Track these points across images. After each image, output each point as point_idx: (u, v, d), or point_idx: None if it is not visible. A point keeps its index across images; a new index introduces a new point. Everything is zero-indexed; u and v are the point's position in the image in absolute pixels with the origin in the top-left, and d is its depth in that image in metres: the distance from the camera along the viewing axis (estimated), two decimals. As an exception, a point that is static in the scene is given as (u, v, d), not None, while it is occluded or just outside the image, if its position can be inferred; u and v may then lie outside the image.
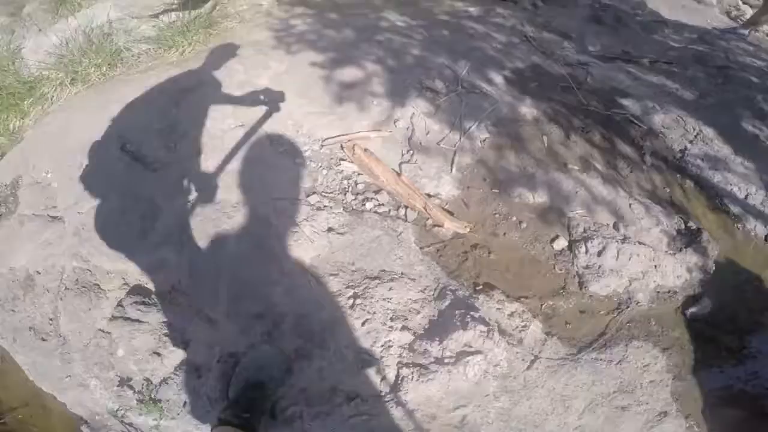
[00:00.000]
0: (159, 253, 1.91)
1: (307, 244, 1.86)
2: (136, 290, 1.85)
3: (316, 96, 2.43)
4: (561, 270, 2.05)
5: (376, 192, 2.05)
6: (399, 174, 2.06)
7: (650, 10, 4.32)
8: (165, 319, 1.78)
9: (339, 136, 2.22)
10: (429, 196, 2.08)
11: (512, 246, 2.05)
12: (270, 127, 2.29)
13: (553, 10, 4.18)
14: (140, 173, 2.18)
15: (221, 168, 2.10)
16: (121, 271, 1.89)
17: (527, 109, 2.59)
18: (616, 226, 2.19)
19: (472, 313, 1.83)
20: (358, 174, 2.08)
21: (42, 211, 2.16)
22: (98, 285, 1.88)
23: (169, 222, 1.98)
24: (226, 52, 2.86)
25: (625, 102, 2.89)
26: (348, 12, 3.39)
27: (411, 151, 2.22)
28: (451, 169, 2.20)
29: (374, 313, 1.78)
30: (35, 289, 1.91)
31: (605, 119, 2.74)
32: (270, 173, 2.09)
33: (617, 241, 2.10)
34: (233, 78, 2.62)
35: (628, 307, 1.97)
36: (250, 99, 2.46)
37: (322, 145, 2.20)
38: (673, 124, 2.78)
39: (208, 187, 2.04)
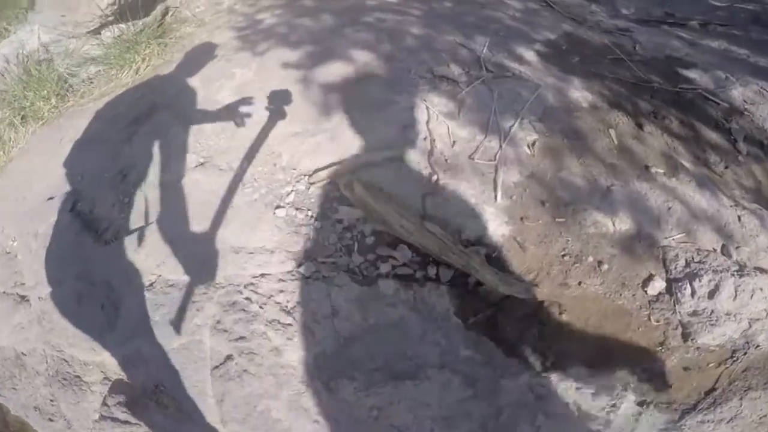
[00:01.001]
0: (131, 346, 1.54)
1: (307, 338, 1.32)
2: (119, 387, 1.57)
3: (294, 108, 1.84)
4: (658, 321, 1.49)
5: (392, 245, 1.46)
6: (423, 217, 1.48)
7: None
8: (157, 421, 1.47)
9: (330, 166, 1.63)
10: (468, 244, 1.49)
11: (591, 297, 1.46)
12: (240, 161, 1.72)
13: None
14: (91, 247, 1.74)
15: (182, 233, 1.57)
16: (98, 363, 1.60)
17: (579, 93, 1.93)
18: (725, 251, 1.59)
19: (543, 407, 1.29)
20: (364, 221, 1.50)
21: (11, 289, 1.88)
22: (79, 377, 1.63)
23: (133, 313, 1.57)
24: (185, 63, 2.29)
25: (691, 74, 2.24)
26: None
27: (434, 175, 1.62)
28: (496, 196, 1.60)
29: (408, 427, 1.25)
30: (27, 369, 1.73)
31: (674, 98, 2.09)
32: (245, 234, 1.53)
33: (733, 275, 1.52)
34: (192, 96, 2.06)
35: (745, 353, 1.51)
36: (212, 123, 1.90)
37: (311, 183, 1.62)
38: (757, 98, 2.16)
39: (168, 265, 1.52)
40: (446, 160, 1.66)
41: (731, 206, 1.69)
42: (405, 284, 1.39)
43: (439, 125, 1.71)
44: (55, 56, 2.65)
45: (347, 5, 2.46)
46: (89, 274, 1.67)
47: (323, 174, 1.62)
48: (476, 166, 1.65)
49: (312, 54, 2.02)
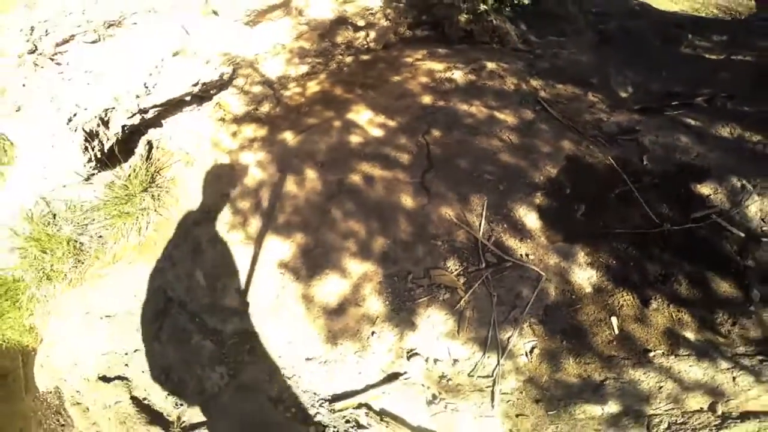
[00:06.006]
0: None
1: None
2: None
3: (300, 331, 1.91)
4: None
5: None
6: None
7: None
8: None
9: (345, 395, 1.79)
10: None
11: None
12: (266, 380, 1.89)
13: (551, 44, 3.28)
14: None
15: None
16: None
17: (583, 273, 1.90)
18: (712, 408, 1.70)
19: None
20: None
21: None
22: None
23: None
24: (182, 241, 2.33)
25: (704, 189, 2.11)
26: (304, 120, 2.57)
27: (438, 396, 1.76)
28: (493, 405, 1.75)
29: None
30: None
31: (686, 239, 2.00)
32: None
33: (711, 429, 1.66)
34: (200, 299, 2.12)
35: None
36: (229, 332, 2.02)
37: (333, 410, 1.80)
38: (775, 210, 2.04)
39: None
40: (448, 379, 1.78)
41: (728, 368, 1.75)
42: None
43: (440, 347, 1.79)
44: (57, 211, 2.69)
45: (329, 141, 2.33)
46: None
47: (340, 404, 1.79)
48: (475, 382, 1.76)
49: (305, 254, 2.00)
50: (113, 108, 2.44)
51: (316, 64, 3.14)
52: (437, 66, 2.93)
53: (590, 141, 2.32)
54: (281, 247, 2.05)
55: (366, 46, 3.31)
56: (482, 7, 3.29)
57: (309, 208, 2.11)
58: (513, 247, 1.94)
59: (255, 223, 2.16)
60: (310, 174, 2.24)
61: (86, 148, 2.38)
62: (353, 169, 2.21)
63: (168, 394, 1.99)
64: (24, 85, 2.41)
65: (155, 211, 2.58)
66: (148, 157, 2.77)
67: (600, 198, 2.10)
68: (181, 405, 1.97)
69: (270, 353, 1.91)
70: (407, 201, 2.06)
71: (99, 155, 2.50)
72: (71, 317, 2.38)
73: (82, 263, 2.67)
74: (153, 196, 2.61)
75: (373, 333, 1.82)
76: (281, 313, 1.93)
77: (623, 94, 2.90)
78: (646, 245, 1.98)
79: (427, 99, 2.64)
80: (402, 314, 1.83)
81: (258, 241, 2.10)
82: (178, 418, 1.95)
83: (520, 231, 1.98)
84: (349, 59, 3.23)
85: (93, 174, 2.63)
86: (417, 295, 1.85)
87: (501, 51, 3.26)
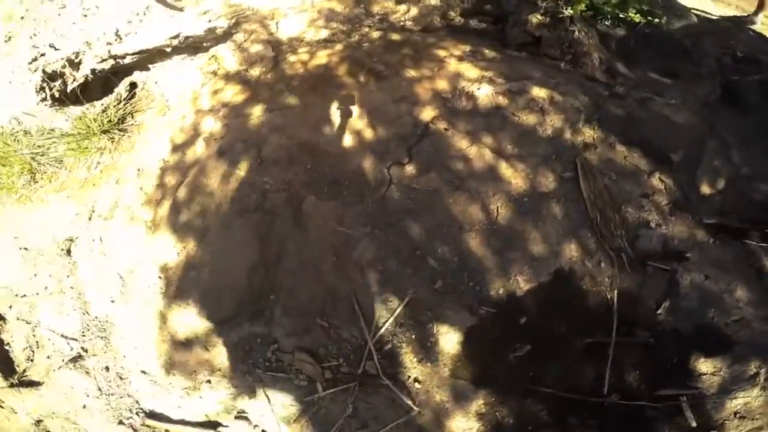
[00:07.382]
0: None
1: None
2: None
3: (146, 344, 1.75)
4: None
5: None
6: None
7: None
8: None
9: (159, 420, 1.68)
10: None
11: None
12: (103, 373, 1.81)
13: (645, 83, 2.31)
14: None
15: None
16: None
17: (463, 423, 1.46)
18: None
19: None
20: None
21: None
22: None
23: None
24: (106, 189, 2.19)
25: (704, 365, 1.54)
26: (284, 97, 2.16)
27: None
28: None
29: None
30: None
31: (624, 415, 1.53)
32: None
33: None
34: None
35: None
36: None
37: (144, 424, 1.72)
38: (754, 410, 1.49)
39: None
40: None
41: None
42: None
43: (272, 422, 1.52)
44: (27, 129, 2.68)
45: (287, 141, 1.94)
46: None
47: (151, 422, 1.70)
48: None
49: (184, 270, 1.74)
50: (83, 51, 2.29)
51: (338, 32, 2.64)
52: (470, 71, 2.21)
53: (607, 254, 1.63)
54: (170, 250, 1.82)
55: (402, 24, 2.69)
56: (567, 11, 2.42)
57: (215, 216, 1.82)
58: (406, 364, 1.52)
59: (164, 209, 1.94)
60: (242, 171, 1.91)
61: (42, 88, 2.31)
62: (289, 182, 1.82)
63: (26, 347, 2.00)
64: (22, 18, 2.33)
65: (109, 152, 2.47)
66: (130, 98, 2.63)
67: (560, 344, 1.53)
68: (31, 361, 1.98)
69: (117, 349, 1.81)
70: (324, 256, 1.65)
71: (57, 95, 2.41)
72: (4, 235, 2.41)
73: (36, 182, 2.67)
74: (113, 138, 2.49)
75: (208, 381, 1.61)
76: (141, 318, 1.77)
77: (706, 190, 1.97)
78: (567, 413, 1.49)
79: (427, 113, 2.01)
80: (247, 379, 1.57)
81: (156, 230, 1.90)
82: (24, 371, 1.97)
83: (427, 350, 1.53)
84: (375, 34, 2.65)
85: (57, 108, 2.57)
86: (273, 367, 1.56)
87: (568, 74, 2.38)
